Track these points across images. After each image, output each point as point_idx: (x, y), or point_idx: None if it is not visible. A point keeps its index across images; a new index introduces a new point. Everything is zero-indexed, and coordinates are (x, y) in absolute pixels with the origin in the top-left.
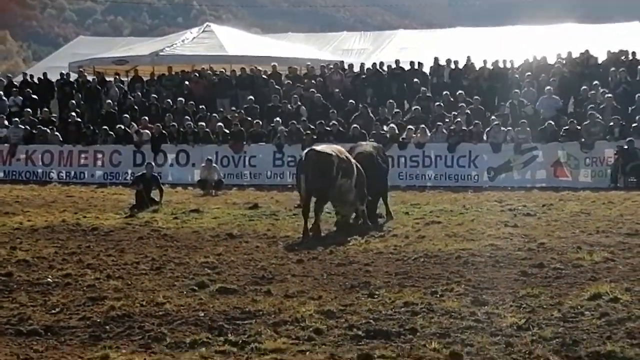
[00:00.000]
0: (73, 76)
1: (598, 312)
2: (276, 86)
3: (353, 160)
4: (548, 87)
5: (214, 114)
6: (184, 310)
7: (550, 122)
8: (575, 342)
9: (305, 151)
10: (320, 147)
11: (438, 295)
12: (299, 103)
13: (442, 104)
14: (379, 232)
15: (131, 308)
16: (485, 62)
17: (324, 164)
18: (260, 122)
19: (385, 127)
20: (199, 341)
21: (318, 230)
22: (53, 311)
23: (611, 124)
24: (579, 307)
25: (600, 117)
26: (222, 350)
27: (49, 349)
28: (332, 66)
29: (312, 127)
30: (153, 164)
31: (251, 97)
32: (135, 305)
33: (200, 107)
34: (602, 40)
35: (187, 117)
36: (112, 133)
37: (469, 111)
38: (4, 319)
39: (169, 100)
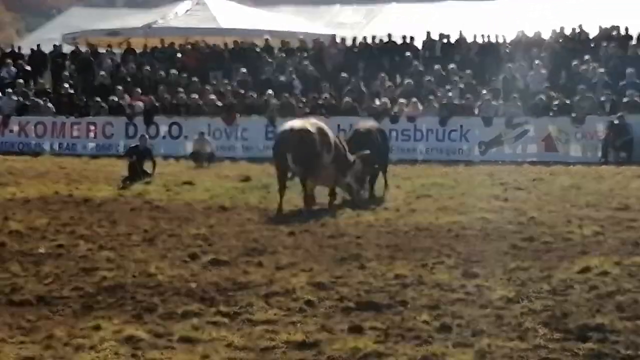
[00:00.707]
0: (66, 48)
1: (587, 285)
2: (269, 59)
3: (330, 133)
4: (537, 62)
5: (207, 87)
6: (176, 281)
7: (541, 96)
8: (564, 314)
9: (282, 129)
10: (298, 124)
11: (429, 268)
12: (293, 76)
13: (433, 78)
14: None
15: (123, 279)
16: (476, 36)
17: (306, 140)
18: (253, 95)
19: (377, 101)
20: (191, 312)
21: (313, 201)
22: (45, 281)
23: (602, 98)
24: (568, 280)
25: (590, 93)
26: (213, 321)
27: (41, 319)
28: (324, 40)
29: (304, 100)
30: (147, 136)
31: (244, 69)
32: (127, 276)
33: (193, 79)
34: (594, 15)
35: (179, 89)
36: (104, 105)
37: (461, 85)
38: None
39: (161, 72)
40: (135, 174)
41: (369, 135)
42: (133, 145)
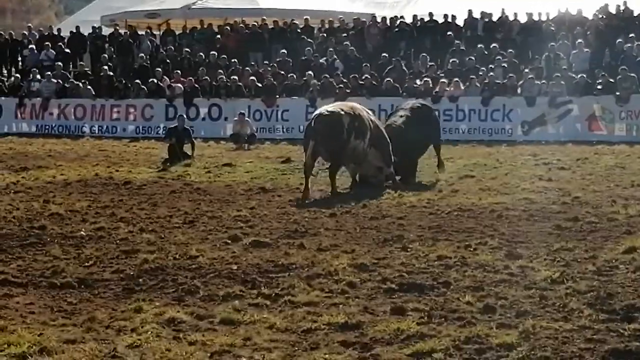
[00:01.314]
0: (105, 30)
1: (633, 266)
2: (309, 39)
3: (370, 120)
4: (579, 41)
5: (247, 68)
6: (217, 263)
7: (583, 75)
8: (609, 295)
9: (315, 114)
10: (331, 107)
11: (472, 249)
12: (335, 57)
13: (475, 58)
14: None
15: (164, 261)
16: (518, 15)
17: (334, 126)
18: (294, 76)
19: (419, 81)
20: (232, 294)
21: (337, 195)
22: (86, 264)
23: None
24: (613, 261)
25: (634, 71)
26: (255, 303)
27: (82, 302)
28: (365, 19)
29: (345, 80)
30: (184, 116)
31: (284, 50)
32: (168, 258)
33: (233, 60)
34: None
35: (219, 71)
36: (144, 87)
37: (503, 64)
38: (37, 271)
39: (201, 54)
40: (175, 156)
41: (423, 112)
42: (172, 126)
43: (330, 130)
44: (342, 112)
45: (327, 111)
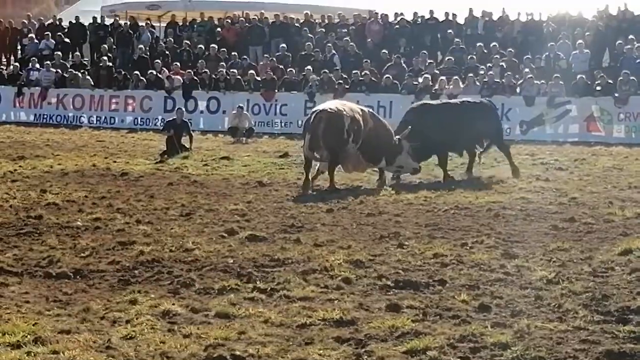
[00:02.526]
0: (106, 20)
1: (629, 268)
2: (309, 34)
3: (365, 122)
4: (580, 41)
5: (246, 61)
6: (213, 256)
7: (582, 76)
8: (605, 296)
9: (315, 110)
10: (333, 106)
11: (468, 247)
12: (333, 52)
13: (475, 56)
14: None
15: (160, 253)
16: (519, 14)
17: (336, 124)
18: (293, 71)
19: (420, 79)
20: (228, 287)
21: (335, 191)
22: (82, 254)
23: None
24: (609, 262)
25: (633, 73)
26: (250, 297)
27: (77, 292)
28: (365, 15)
29: (344, 76)
30: (183, 109)
31: (284, 45)
32: (164, 250)
33: (233, 54)
34: None
35: (221, 63)
36: (143, 78)
37: (502, 63)
38: (33, 261)
39: (201, 46)
40: (173, 148)
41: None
42: (170, 119)
43: (332, 127)
44: (344, 112)
45: (331, 109)
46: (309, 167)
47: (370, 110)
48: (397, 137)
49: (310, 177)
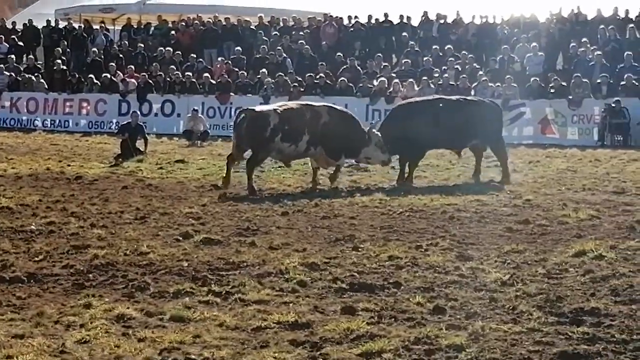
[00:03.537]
0: (59, 24)
1: (582, 269)
2: (264, 37)
3: (315, 119)
4: (534, 44)
5: (201, 64)
6: (168, 260)
7: (536, 79)
8: (559, 298)
9: (241, 110)
10: (265, 106)
11: (423, 250)
12: (284, 55)
13: (430, 59)
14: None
15: (115, 257)
16: (474, 17)
17: (257, 125)
18: (244, 74)
19: (375, 82)
20: (183, 291)
21: (253, 192)
22: (36, 258)
23: (599, 81)
24: (563, 264)
25: (584, 79)
26: (205, 300)
27: (31, 296)
28: (320, 18)
29: (299, 79)
30: (139, 113)
31: (238, 48)
32: (119, 254)
33: (191, 56)
34: None
35: (173, 67)
36: (97, 82)
37: (457, 66)
38: None
39: (160, 49)
40: (128, 151)
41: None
42: (125, 122)
43: (254, 127)
44: (272, 112)
45: (255, 109)
46: (231, 165)
47: (332, 105)
48: (368, 128)
49: (230, 175)
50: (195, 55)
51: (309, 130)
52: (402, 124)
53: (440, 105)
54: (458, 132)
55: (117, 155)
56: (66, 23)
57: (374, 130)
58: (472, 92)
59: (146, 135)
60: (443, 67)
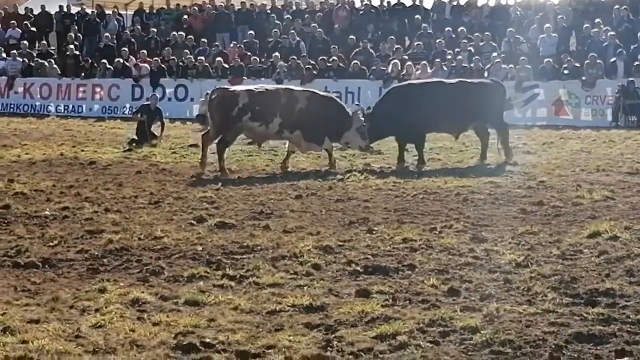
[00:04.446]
0: (72, 9)
1: (597, 250)
2: (276, 21)
3: (291, 103)
4: (547, 25)
5: (214, 49)
6: (182, 244)
7: (549, 60)
8: (573, 279)
9: (215, 88)
10: (240, 86)
11: (437, 232)
12: (297, 38)
13: (443, 41)
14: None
15: (129, 241)
16: None
17: (225, 103)
18: (256, 59)
19: (388, 65)
20: (197, 275)
21: (225, 172)
22: (51, 244)
23: (613, 59)
24: (578, 245)
25: (599, 59)
26: (220, 284)
27: (46, 282)
28: (332, 1)
29: (312, 62)
30: (157, 96)
31: (251, 32)
32: (133, 238)
33: (202, 40)
34: None
35: (186, 51)
36: (110, 67)
37: (470, 48)
38: (1, 251)
39: (174, 33)
40: (143, 135)
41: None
42: (144, 103)
43: (221, 105)
44: (242, 92)
45: (228, 88)
46: (207, 145)
47: (314, 91)
48: (354, 111)
49: (206, 155)
50: (206, 40)
51: (282, 113)
52: (396, 105)
53: (437, 88)
54: (457, 114)
55: (131, 140)
56: (79, 8)
57: (358, 113)
58: (486, 74)
59: (163, 119)
60: (456, 50)
